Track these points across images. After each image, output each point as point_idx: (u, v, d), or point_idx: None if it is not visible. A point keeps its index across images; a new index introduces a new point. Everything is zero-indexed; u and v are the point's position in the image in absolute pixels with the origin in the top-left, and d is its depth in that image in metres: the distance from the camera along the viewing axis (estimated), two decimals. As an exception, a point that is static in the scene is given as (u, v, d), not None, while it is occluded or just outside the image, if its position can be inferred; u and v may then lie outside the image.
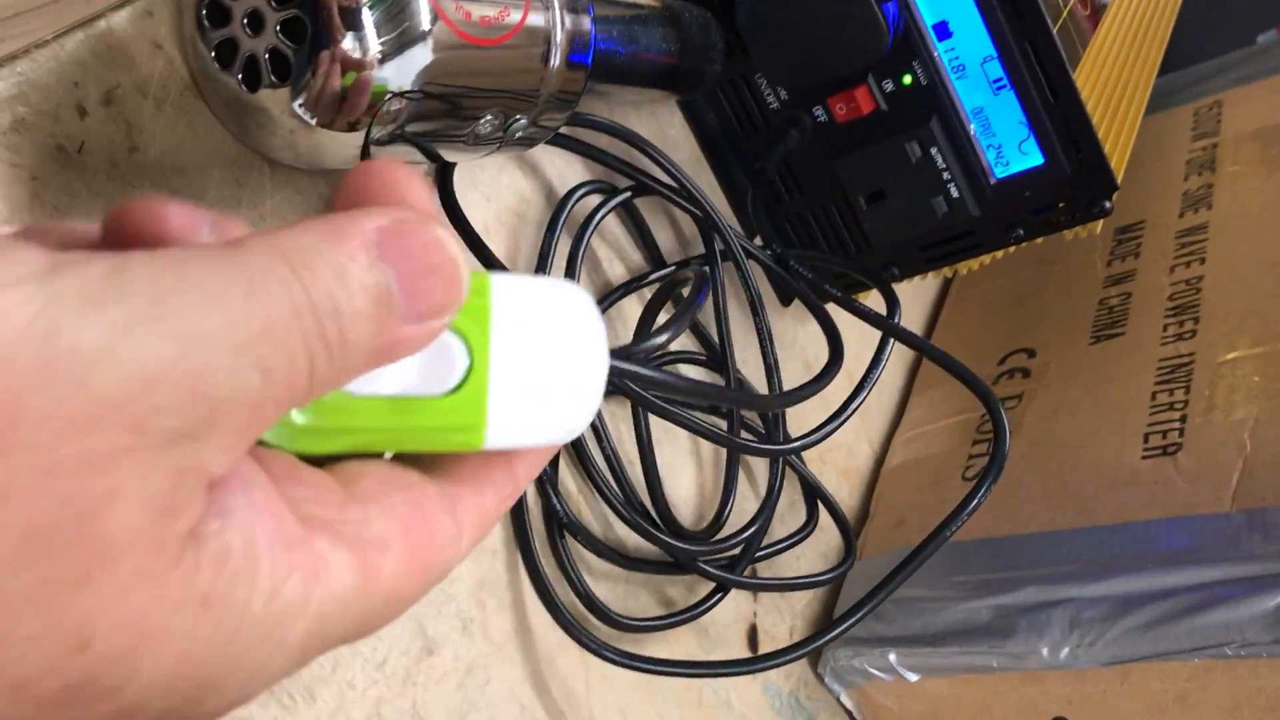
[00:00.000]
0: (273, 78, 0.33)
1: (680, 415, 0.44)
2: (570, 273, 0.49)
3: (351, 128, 0.33)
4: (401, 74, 0.33)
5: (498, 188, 0.48)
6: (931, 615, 0.53)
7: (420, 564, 0.23)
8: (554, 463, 0.46)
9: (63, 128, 0.34)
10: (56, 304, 0.16)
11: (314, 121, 0.33)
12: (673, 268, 0.55)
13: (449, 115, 0.36)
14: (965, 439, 0.63)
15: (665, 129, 0.59)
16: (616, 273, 0.54)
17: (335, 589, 0.21)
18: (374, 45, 0.32)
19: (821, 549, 0.60)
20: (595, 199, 0.51)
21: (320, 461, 0.23)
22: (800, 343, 0.65)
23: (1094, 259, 0.71)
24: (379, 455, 0.25)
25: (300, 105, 0.33)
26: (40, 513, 0.16)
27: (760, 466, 0.58)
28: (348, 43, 0.32)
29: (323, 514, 0.22)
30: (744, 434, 0.53)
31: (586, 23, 0.40)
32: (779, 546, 0.54)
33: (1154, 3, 0.73)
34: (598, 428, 0.48)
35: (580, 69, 0.41)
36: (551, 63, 0.39)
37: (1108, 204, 0.55)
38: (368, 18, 0.32)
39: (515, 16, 0.37)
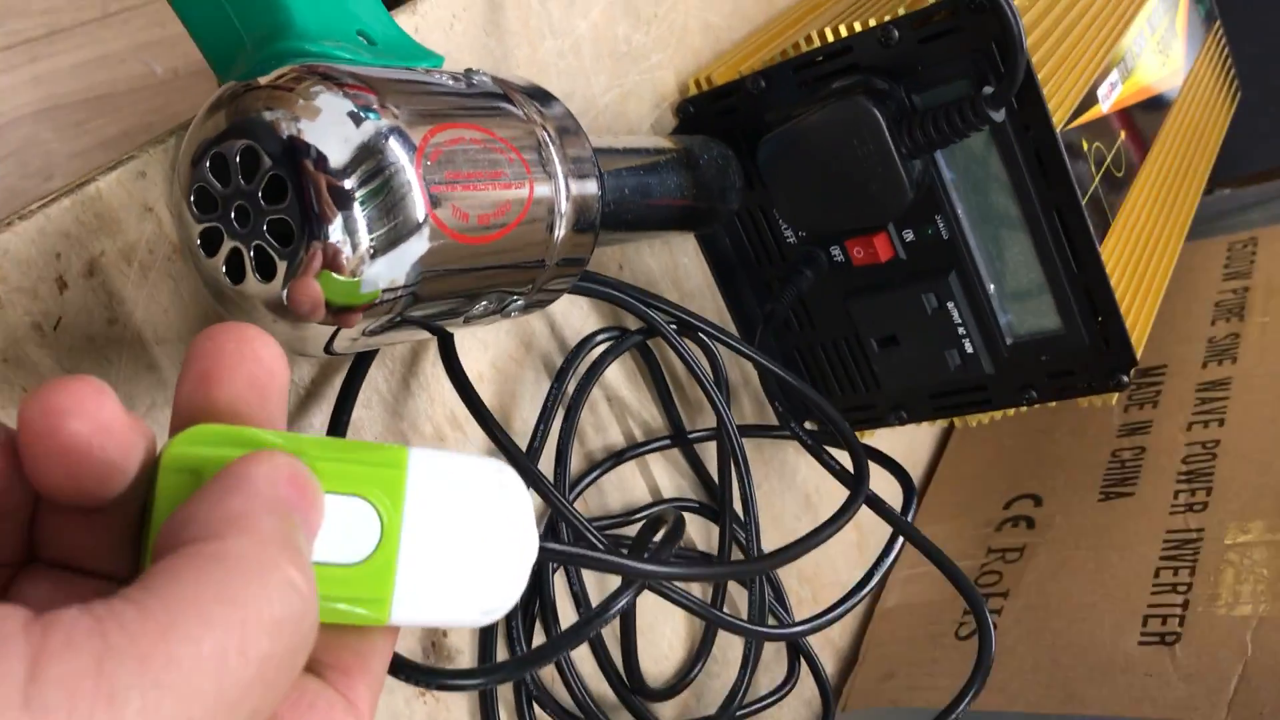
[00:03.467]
0: (257, 274, 0.31)
1: (666, 591, 0.43)
2: (570, 419, 0.47)
3: (338, 322, 0.32)
4: (394, 269, 0.32)
5: (496, 333, 0.47)
6: (909, 791, 0.52)
7: None
8: (526, 623, 0.45)
9: (40, 304, 0.33)
10: None
11: (299, 317, 0.32)
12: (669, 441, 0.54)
13: (445, 302, 0.35)
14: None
15: (678, 256, 0.58)
16: (621, 429, 0.53)
17: None
18: (365, 241, 0.31)
19: (805, 695, 0.59)
20: (604, 345, 0.50)
21: None
22: (802, 474, 0.64)
23: (1110, 402, 0.69)
24: None
25: (286, 300, 0.32)
26: None
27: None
28: (336, 238, 0.31)
29: None
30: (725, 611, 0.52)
31: (593, 186, 0.39)
32: (756, 706, 0.53)
33: (1200, 135, 0.71)
34: (574, 584, 0.47)
35: (589, 233, 0.39)
36: (556, 234, 0.37)
37: (1125, 378, 0.53)
38: (359, 214, 0.31)
39: (519, 199, 0.35)
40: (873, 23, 0.51)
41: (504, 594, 0.27)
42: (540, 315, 0.49)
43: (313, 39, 0.32)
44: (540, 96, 0.39)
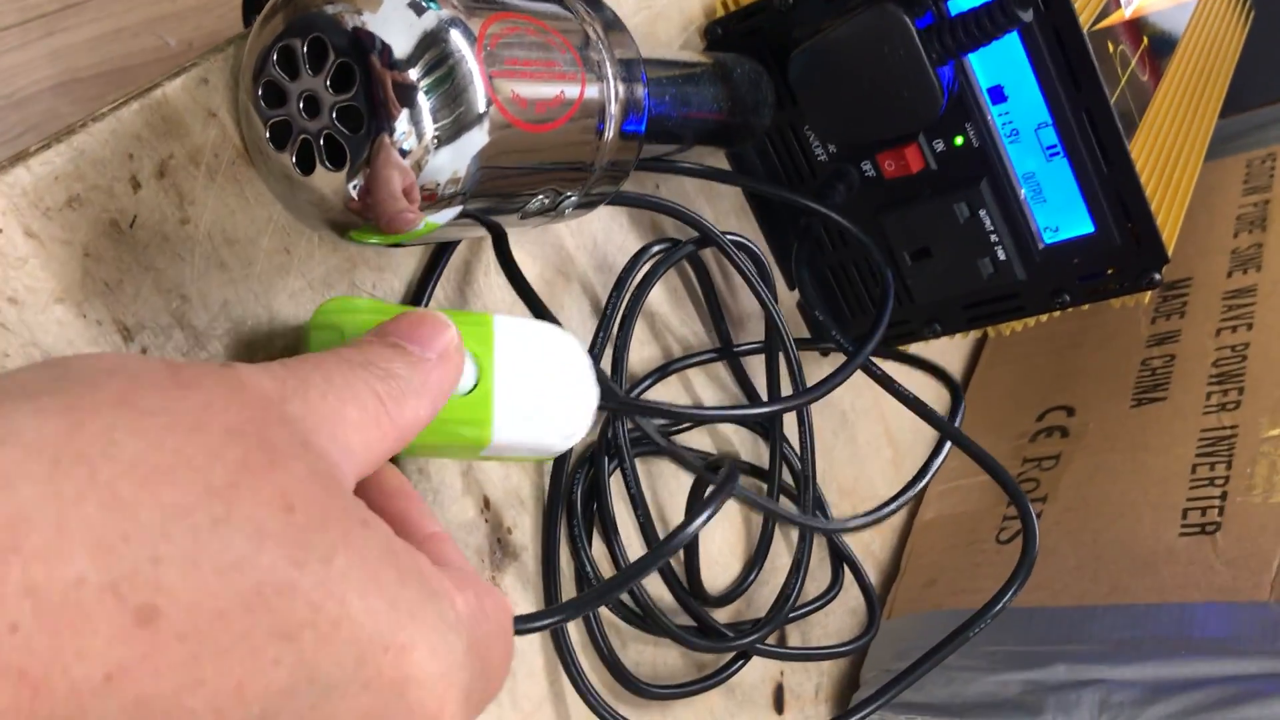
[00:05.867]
0: (327, 163, 0.32)
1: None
2: (625, 329, 0.48)
3: (404, 211, 0.33)
4: (457, 159, 0.33)
5: (542, 245, 0.48)
6: (961, 685, 0.53)
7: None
8: (585, 523, 0.46)
9: (116, 202, 0.34)
10: None
11: (367, 206, 0.33)
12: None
13: (503, 195, 0.36)
14: (1000, 497, 0.63)
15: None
16: (676, 337, 0.54)
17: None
18: (429, 131, 0.32)
19: (850, 604, 0.60)
20: (657, 256, 0.51)
21: None
22: (837, 391, 0.64)
23: (1138, 315, 0.70)
24: None
25: (354, 189, 0.32)
26: None
27: (792, 531, 0.58)
28: (402, 128, 0.31)
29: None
30: (783, 500, 0.53)
31: (640, 90, 0.40)
32: (804, 610, 0.54)
33: (1215, 53, 0.72)
34: (630, 485, 0.48)
35: (634, 139, 0.40)
36: (605, 135, 0.38)
37: (1157, 276, 0.54)
38: (423, 104, 0.31)
39: (572, 93, 0.36)
40: (899, -69, 0.51)
41: (577, 424, 0.35)
42: (583, 229, 0.50)
43: None
44: (594, 3, 0.40)
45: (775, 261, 0.62)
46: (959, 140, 0.55)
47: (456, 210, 0.33)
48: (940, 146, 0.55)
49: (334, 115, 0.32)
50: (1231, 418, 0.58)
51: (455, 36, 0.32)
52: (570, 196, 0.38)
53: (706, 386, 0.55)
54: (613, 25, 0.39)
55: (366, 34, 0.31)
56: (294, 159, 0.33)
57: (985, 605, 0.46)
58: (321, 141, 0.32)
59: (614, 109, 0.38)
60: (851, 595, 0.60)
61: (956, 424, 0.52)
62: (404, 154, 0.32)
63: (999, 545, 0.59)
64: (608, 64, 0.38)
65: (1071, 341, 0.71)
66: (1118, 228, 0.54)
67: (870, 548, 0.63)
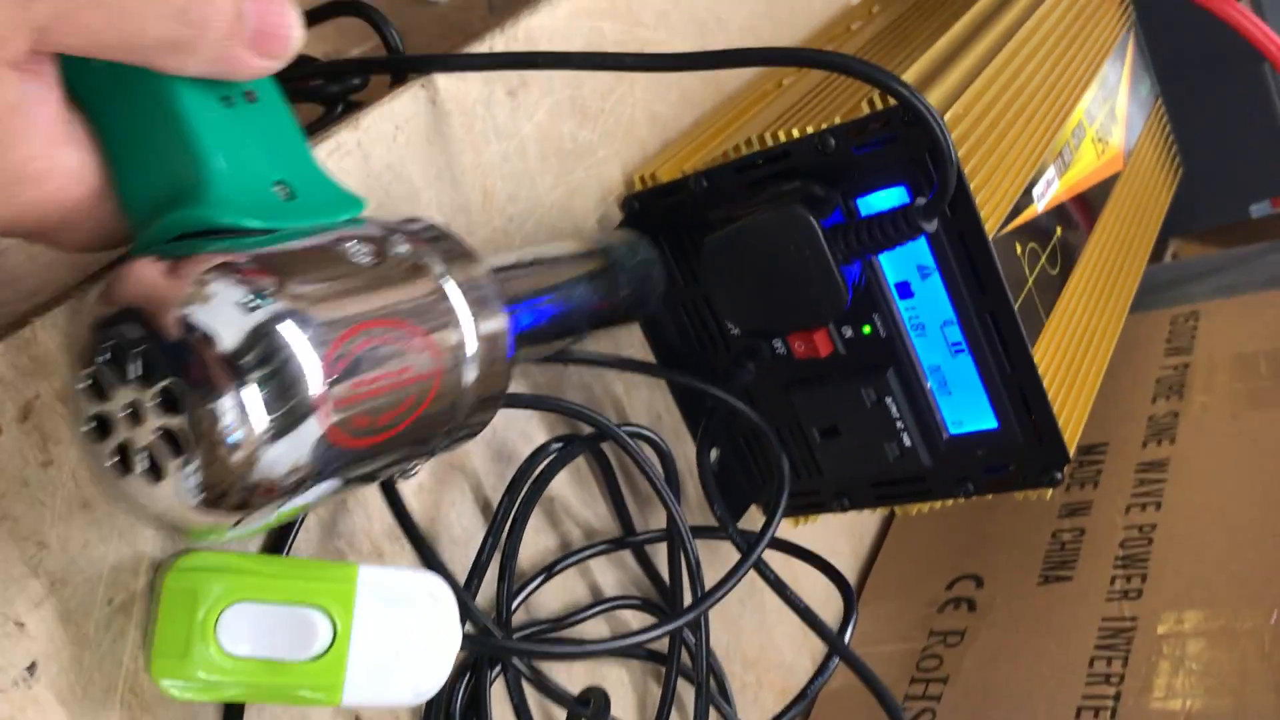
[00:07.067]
0: (148, 475, 0.30)
1: None
2: (514, 534, 0.48)
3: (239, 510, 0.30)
4: (296, 450, 0.29)
5: (437, 441, 0.48)
6: None
7: None
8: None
9: (-29, 451, 0.33)
10: None
11: (193, 505, 0.29)
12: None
13: (354, 480, 0.32)
14: (905, 672, 0.62)
15: (622, 347, 0.59)
16: (578, 520, 0.53)
17: None
18: (261, 425, 0.28)
19: (749, 779, 0.60)
20: (553, 455, 0.50)
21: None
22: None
23: (1045, 495, 0.70)
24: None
25: (183, 499, 0.29)
26: None
27: (690, 697, 0.58)
28: (227, 425, 0.28)
29: None
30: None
31: (500, 321, 0.36)
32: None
33: (1139, 220, 0.73)
34: (514, 695, 0.47)
35: (501, 365, 0.36)
36: (466, 380, 0.34)
37: (1059, 475, 0.54)
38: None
39: (423, 391, 0.32)
40: (810, 130, 0.52)
41: (432, 680, 0.35)
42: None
43: (224, 205, 0.31)
44: (437, 238, 0.36)
45: (685, 423, 0.62)
46: (867, 329, 0.55)
47: (302, 500, 0.31)
48: (849, 333, 0.56)
49: (156, 429, 0.29)
50: (1132, 607, 0.59)
51: (299, 366, 0.28)
52: (441, 442, 0.36)
53: (607, 571, 0.55)
54: (456, 255, 0.36)
55: (198, 361, 0.28)
56: (112, 458, 0.30)
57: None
58: (143, 451, 0.30)
59: (473, 350, 0.34)
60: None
61: (847, 638, 0.52)
62: (231, 458, 0.28)
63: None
64: (465, 313, 0.34)
65: (987, 503, 0.71)
66: (1020, 425, 0.54)
67: None
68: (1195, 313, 0.80)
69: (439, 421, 0.34)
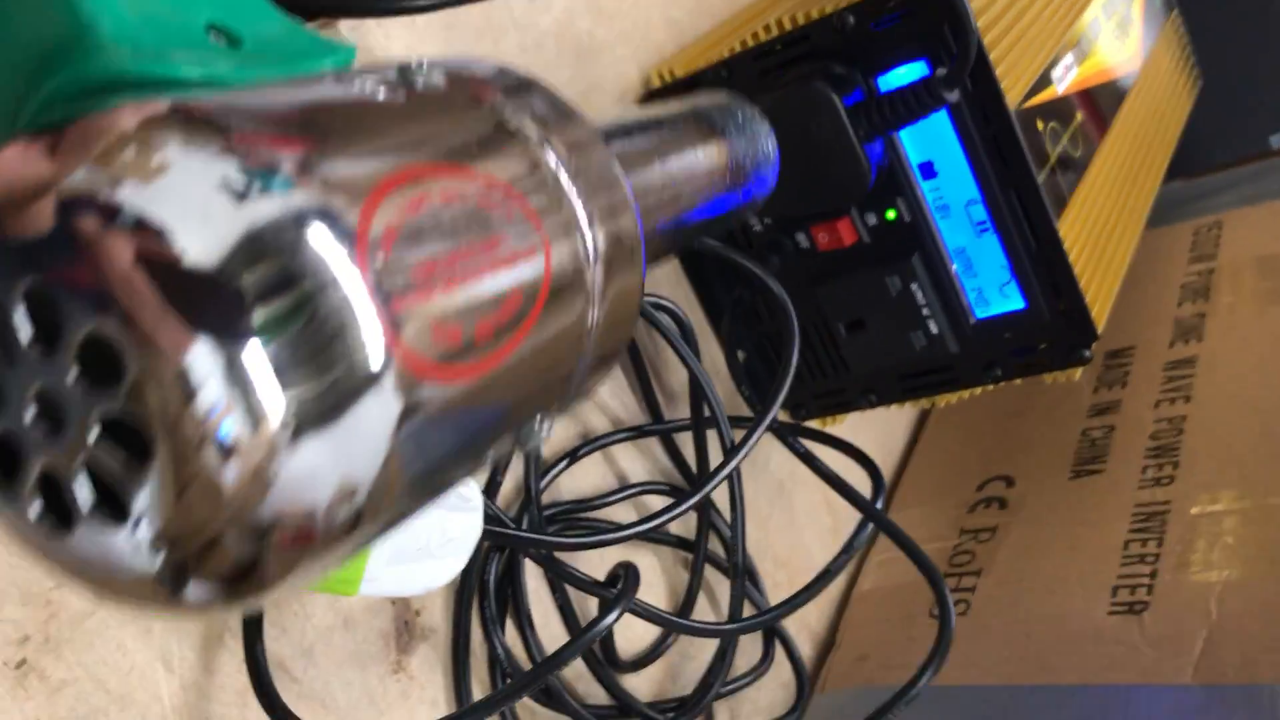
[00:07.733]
0: (94, 514, 0.18)
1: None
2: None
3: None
4: (339, 461, 0.18)
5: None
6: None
7: None
8: (499, 606, 0.45)
9: None
10: None
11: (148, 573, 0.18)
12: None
13: (430, 485, 0.22)
14: (939, 568, 0.62)
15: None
16: (605, 411, 0.53)
17: None
18: (274, 422, 0.17)
19: (783, 678, 0.59)
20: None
21: None
22: (775, 462, 0.64)
23: (1081, 383, 0.70)
24: None
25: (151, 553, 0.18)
26: None
27: (722, 590, 0.57)
28: (208, 410, 0.17)
29: None
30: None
31: (630, 220, 0.25)
32: (733, 687, 0.53)
33: (1158, 121, 0.73)
34: (548, 570, 0.47)
35: (635, 283, 0.26)
36: (590, 319, 0.24)
37: (1087, 353, 0.54)
38: (260, 386, 0.17)
39: (532, 286, 0.22)
40: (829, 9, 0.52)
41: (445, 575, 0.34)
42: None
43: (132, 51, 0.20)
44: (519, 88, 0.25)
45: (711, 327, 0.62)
46: (891, 214, 0.55)
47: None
48: (873, 220, 0.56)
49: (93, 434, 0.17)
50: (1165, 493, 0.58)
51: (320, 243, 0.17)
52: (579, 378, 0.25)
53: (636, 459, 0.55)
54: (554, 117, 0.25)
55: (138, 275, 0.16)
56: (37, 509, 0.18)
57: (904, 687, 0.46)
58: (76, 481, 0.18)
59: (597, 276, 0.24)
60: (784, 669, 0.59)
61: (878, 506, 0.51)
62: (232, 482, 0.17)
63: (933, 620, 0.59)
64: (573, 193, 0.24)
65: (1015, 409, 0.71)
66: (1048, 304, 0.54)
67: (806, 619, 0.63)
68: (1219, 222, 0.80)
69: (566, 338, 0.23)
